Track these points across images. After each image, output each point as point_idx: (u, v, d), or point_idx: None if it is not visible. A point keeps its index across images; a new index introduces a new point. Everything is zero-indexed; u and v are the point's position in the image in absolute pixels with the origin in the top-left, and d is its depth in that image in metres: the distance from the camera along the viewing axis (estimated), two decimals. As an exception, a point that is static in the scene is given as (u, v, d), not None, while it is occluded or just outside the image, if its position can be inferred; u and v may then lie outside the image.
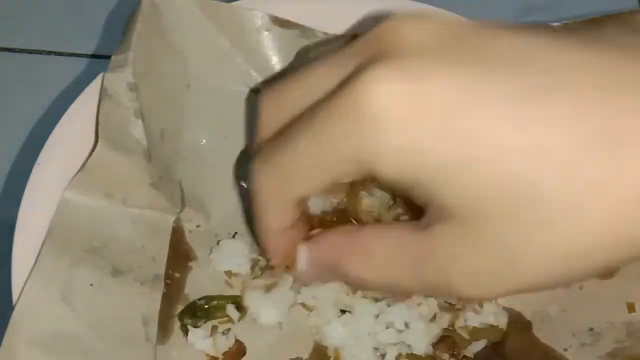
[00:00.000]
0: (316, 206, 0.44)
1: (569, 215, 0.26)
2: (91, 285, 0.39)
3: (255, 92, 0.46)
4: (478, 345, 0.42)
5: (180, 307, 0.43)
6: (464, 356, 0.42)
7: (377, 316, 0.42)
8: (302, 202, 0.34)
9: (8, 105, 0.57)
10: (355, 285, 0.38)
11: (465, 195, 0.28)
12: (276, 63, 0.46)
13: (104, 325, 0.39)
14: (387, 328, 0.42)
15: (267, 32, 0.46)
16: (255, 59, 0.46)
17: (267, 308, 0.42)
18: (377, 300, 0.42)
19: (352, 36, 0.45)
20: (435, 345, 0.42)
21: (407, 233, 0.31)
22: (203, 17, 0.45)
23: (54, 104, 0.56)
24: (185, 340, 0.42)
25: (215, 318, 0.43)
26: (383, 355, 0.42)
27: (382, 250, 0.32)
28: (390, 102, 0.27)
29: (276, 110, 0.33)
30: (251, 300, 0.43)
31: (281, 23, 0.46)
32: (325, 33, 0.46)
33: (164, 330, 0.41)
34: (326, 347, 0.42)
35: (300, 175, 0.31)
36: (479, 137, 0.27)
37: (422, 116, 0.27)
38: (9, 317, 0.37)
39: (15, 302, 0.37)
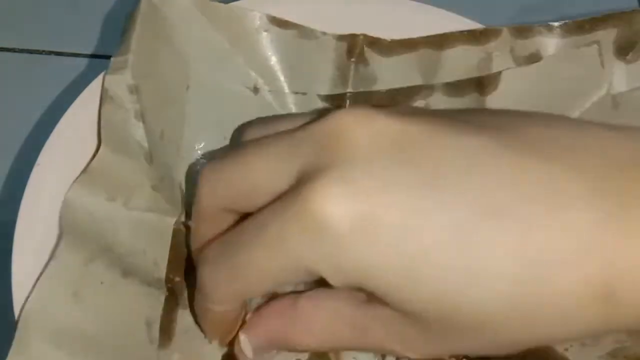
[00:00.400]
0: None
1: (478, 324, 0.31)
2: (102, 283, 0.39)
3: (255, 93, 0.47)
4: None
5: (181, 311, 0.43)
6: (465, 356, 0.42)
7: None
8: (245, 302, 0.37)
9: (8, 105, 0.57)
10: (302, 351, 0.39)
11: (409, 306, 0.31)
12: (275, 63, 0.46)
13: (112, 324, 0.39)
14: None
15: (265, 33, 0.46)
16: (254, 59, 0.46)
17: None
18: None
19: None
20: None
21: (344, 304, 0.34)
22: (202, 17, 0.45)
23: (54, 104, 0.56)
24: (188, 344, 0.42)
25: None
26: (384, 356, 0.42)
27: (321, 320, 0.35)
28: (339, 223, 0.29)
29: (217, 191, 0.35)
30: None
31: (279, 23, 0.46)
32: (323, 33, 0.46)
33: (165, 333, 0.41)
34: None
35: (250, 281, 0.34)
36: (425, 259, 0.29)
37: (371, 236, 0.29)
38: (9, 317, 0.37)
39: (14, 301, 0.37)
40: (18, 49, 0.60)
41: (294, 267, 0.31)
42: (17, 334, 0.36)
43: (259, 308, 0.39)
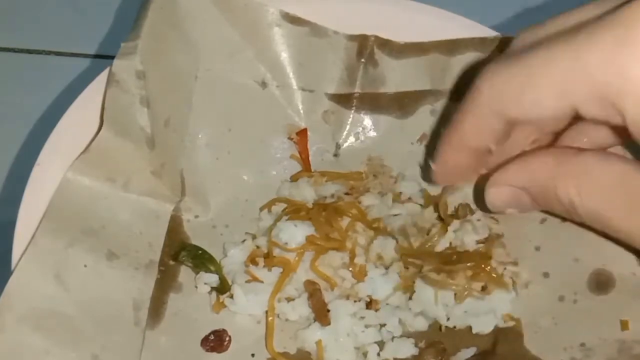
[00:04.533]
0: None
1: None
2: (85, 266, 0.40)
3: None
4: (467, 353, 0.42)
5: (172, 295, 0.43)
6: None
7: (354, 314, 0.42)
8: (505, 134, 0.32)
9: (8, 105, 0.58)
10: (562, 213, 0.34)
11: None
12: (285, 59, 0.47)
13: (95, 306, 0.39)
14: (366, 327, 0.42)
15: (277, 28, 0.46)
16: (264, 54, 0.46)
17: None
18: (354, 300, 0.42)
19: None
20: (423, 350, 0.42)
21: (636, 170, 0.30)
22: (215, 9, 0.45)
23: (54, 104, 0.57)
24: (175, 327, 0.42)
25: (205, 269, 0.44)
26: (365, 354, 0.42)
27: (606, 179, 0.31)
28: None
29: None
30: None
31: (292, 19, 0.46)
32: (335, 32, 0.46)
33: (154, 315, 0.42)
34: (309, 353, 0.42)
35: (531, 90, 0.30)
36: None
37: None
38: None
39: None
40: (18, 49, 0.60)
41: (590, 83, 0.28)
42: None
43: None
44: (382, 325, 0.42)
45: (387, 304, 0.43)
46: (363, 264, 0.43)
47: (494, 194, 0.35)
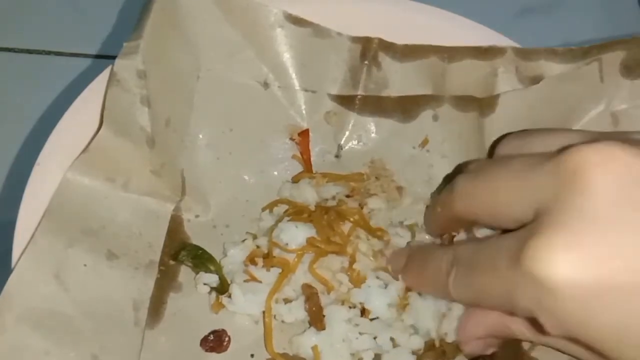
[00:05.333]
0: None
1: None
2: (85, 266, 0.40)
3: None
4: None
5: (172, 294, 0.43)
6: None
7: (349, 320, 0.42)
8: None
9: (8, 105, 0.58)
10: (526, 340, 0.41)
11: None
12: (287, 59, 0.47)
13: (94, 306, 0.39)
14: (360, 334, 0.41)
15: (280, 29, 0.46)
16: (266, 54, 0.46)
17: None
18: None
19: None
20: (422, 354, 0.42)
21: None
22: (217, 9, 0.45)
23: (54, 104, 0.57)
24: (174, 327, 0.42)
25: (205, 269, 0.44)
26: None
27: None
28: (565, 286, 0.30)
29: (471, 207, 0.38)
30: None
31: (295, 20, 0.46)
32: (339, 33, 0.46)
33: (154, 315, 0.42)
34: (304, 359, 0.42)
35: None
36: None
37: (596, 300, 0.30)
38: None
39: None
40: (18, 49, 0.60)
41: (513, 304, 0.32)
42: None
43: None
44: (375, 337, 0.42)
45: (378, 317, 0.42)
46: (363, 272, 0.43)
47: (470, 348, 0.41)
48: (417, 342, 0.42)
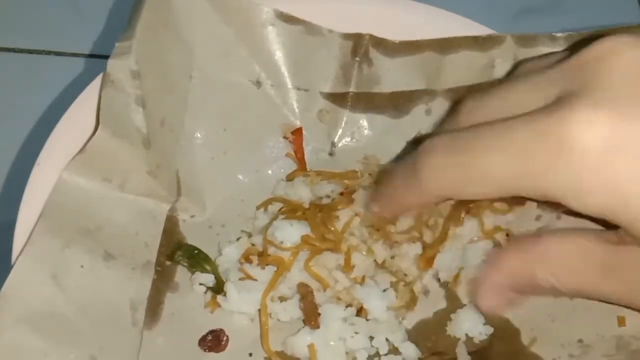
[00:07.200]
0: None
1: None
2: (82, 266, 0.40)
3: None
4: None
5: (169, 295, 0.43)
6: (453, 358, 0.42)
7: (345, 319, 0.42)
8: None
9: (8, 105, 0.58)
10: (548, 294, 0.38)
11: None
12: (279, 58, 0.47)
13: (92, 307, 0.39)
14: (355, 334, 0.41)
15: (271, 27, 0.46)
16: (259, 53, 0.47)
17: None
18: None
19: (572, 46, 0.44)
20: (425, 358, 0.42)
21: (594, 243, 0.33)
22: (210, 8, 0.45)
23: (53, 104, 0.57)
24: (172, 327, 0.42)
25: (201, 269, 0.44)
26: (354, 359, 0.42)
27: (569, 257, 0.34)
28: (592, 142, 0.29)
29: (473, 113, 0.35)
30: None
31: (286, 18, 0.46)
32: (330, 30, 0.46)
33: (152, 315, 0.42)
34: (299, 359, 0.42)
35: (476, 181, 0.33)
36: None
37: (625, 156, 0.29)
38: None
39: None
40: (18, 49, 0.60)
41: (531, 182, 0.30)
42: None
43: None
44: (372, 338, 0.42)
45: (375, 318, 0.42)
46: (358, 269, 0.43)
47: (486, 302, 0.38)
48: (411, 352, 0.42)
